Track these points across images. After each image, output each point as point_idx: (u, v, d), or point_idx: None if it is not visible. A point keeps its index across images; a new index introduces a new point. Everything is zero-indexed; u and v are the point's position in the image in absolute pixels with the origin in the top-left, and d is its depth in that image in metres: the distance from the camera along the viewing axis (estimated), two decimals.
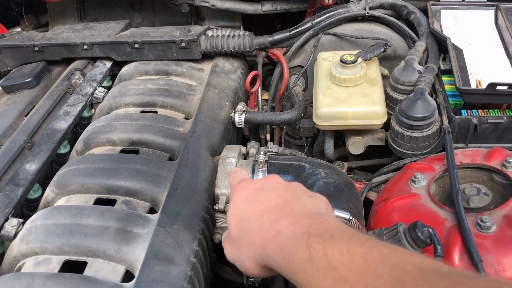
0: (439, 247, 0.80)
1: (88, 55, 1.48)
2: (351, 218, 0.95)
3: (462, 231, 0.85)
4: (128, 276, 0.90)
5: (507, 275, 0.81)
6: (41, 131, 1.24)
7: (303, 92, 1.49)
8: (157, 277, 0.85)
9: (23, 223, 0.99)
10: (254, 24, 1.84)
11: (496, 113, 1.14)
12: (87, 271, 0.89)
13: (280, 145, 1.46)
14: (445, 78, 1.27)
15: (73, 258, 0.91)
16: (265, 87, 1.63)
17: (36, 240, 0.93)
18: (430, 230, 0.81)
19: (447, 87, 1.23)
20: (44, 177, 1.20)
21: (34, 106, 1.34)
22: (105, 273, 0.88)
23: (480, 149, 1.08)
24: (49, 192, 1.08)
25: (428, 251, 0.83)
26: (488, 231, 0.86)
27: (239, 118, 1.30)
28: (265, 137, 1.49)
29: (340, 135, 1.37)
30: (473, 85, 1.15)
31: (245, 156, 1.22)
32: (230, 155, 1.17)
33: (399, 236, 0.82)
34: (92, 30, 1.52)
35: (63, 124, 1.26)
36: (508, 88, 1.07)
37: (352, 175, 1.36)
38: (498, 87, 1.07)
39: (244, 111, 1.30)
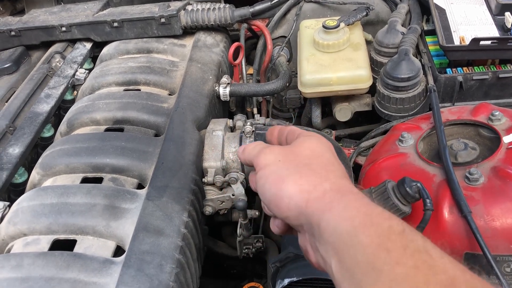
0: (428, 200, 0.80)
1: (67, 37, 1.45)
2: None
3: (450, 184, 0.85)
4: (119, 251, 0.89)
5: (496, 225, 0.81)
6: (23, 115, 1.22)
7: (287, 62, 1.47)
8: (148, 249, 0.84)
9: (9, 206, 0.97)
10: None
11: (481, 70, 1.14)
12: (77, 249, 0.88)
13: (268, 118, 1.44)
14: (429, 39, 1.26)
15: (62, 236, 0.90)
16: (250, 61, 1.61)
17: (24, 221, 0.92)
18: (418, 184, 0.81)
19: (431, 47, 1.22)
20: (29, 162, 1.18)
21: (14, 92, 1.31)
22: (95, 249, 0.88)
23: (466, 106, 1.08)
24: (34, 174, 1.06)
25: (418, 206, 0.83)
26: (477, 183, 0.86)
27: (224, 91, 1.28)
28: (252, 111, 1.47)
29: (327, 104, 1.36)
30: (457, 42, 1.14)
31: (232, 129, 1.21)
32: (217, 128, 1.15)
33: (388, 193, 0.82)
34: (70, 12, 1.48)
35: (45, 107, 1.23)
36: (491, 42, 1.07)
37: (341, 144, 1.35)
38: (481, 42, 1.07)
39: (228, 83, 1.29)
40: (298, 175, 0.61)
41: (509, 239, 0.81)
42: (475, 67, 1.15)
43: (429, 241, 0.49)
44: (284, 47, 1.45)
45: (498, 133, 0.94)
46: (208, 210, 1.08)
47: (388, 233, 0.49)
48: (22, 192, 1.08)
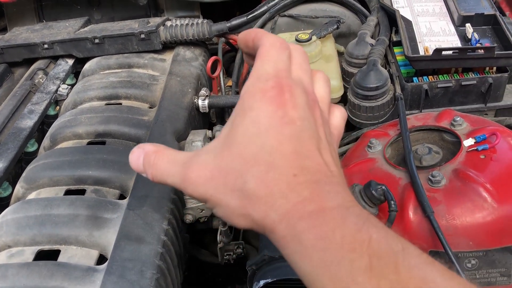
0: (392, 202, 0.85)
1: (49, 54, 1.49)
2: None
3: (414, 186, 0.90)
4: (103, 260, 0.92)
5: (457, 224, 0.87)
6: (7, 131, 1.25)
7: None
8: (129, 256, 0.88)
9: None
10: (215, 13, 1.86)
11: (445, 78, 1.20)
12: (61, 258, 0.91)
13: None
14: (397, 49, 1.32)
15: (46, 247, 0.93)
16: (230, 74, 1.66)
17: (8, 234, 0.95)
18: (383, 187, 0.86)
19: (398, 58, 1.29)
20: (13, 176, 1.21)
21: None
22: (79, 259, 0.91)
23: (431, 113, 1.14)
24: (18, 188, 1.09)
25: (385, 208, 0.88)
26: (439, 185, 0.91)
27: (203, 103, 1.33)
28: None
29: None
30: (422, 53, 1.21)
31: (211, 139, 1.25)
32: (196, 138, 1.20)
33: (356, 196, 0.87)
34: (52, 29, 1.52)
35: (28, 122, 1.27)
36: (452, 52, 1.13)
37: None
38: (443, 52, 1.13)
39: (207, 96, 1.34)
40: (233, 201, 0.48)
41: (469, 237, 0.87)
42: (440, 76, 1.21)
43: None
44: None
45: (459, 138, 1.00)
46: (189, 218, 1.13)
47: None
48: (6, 206, 1.10)
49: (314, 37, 1.31)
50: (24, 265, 0.87)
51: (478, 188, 0.88)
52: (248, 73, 1.50)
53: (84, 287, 0.84)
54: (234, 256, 1.21)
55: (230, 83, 1.59)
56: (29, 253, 0.92)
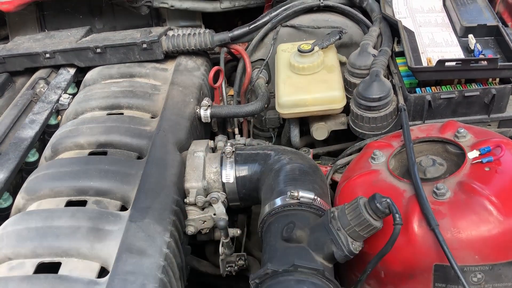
0: (397, 215, 0.84)
1: (51, 63, 1.49)
2: (315, 197, 0.99)
3: (419, 199, 0.90)
4: (103, 273, 0.91)
5: (462, 237, 0.86)
6: (8, 141, 1.24)
7: (266, 84, 1.52)
8: (131, 269, 0.87)
9: None
10: (216, 22, 1.87)
11: (448, 89, 1.20)
12: (62, 271, 0.90)
13: (248, 138, 1.49)
14: (399, 60, 1.32)
15: (47, 259, 0.92)
16: (231, 83, 1.66)
17: (9, 246, 0.94)
18: (388, 200, 0.85)
19: (401, 68, 1.28)
20: (14, 187, 1.20)
21: None
22: (80, 271, 0.90)
23: (434, 124, 1.13)
24: (19, 199, 1.08)
25: (390, 221, 0.87)
26: (443, 198, 0.90)
27: (205, 113, 1.32)
28: (233, 131, 1.52)
29: (305, 123, 1.41)
30: (424, 64, 1.20)
31: (214, 150, 1.25)
32: (198, 149, 1.19)
33: (360, 209, 0.87)
34: (53, 38, 1.52)
35: (29, 132, 1.26)
36: (455, 63, 1.13)
37: (319, 161, 1.40)
38: (446, 63, 1.13)
39: (209, 106, 1.33)
40: None
41: (475, 250, 0.86)
42: (443, 87, 1.21)
43: None
44: (263, 70, 1.51)
45: (463, 149, 0.99)
46: (191, 230, 1.12)
47: None
48: (7, 217, 1.09)
49: (316, 48, 1.31)
50: (24, 278, 0.86)
51: (483, 201, 0.87)
52: (249, 83, 1.50)
53: None
54: (236, 268, 1.20)
55: (231, 92, 1.59)
56: (29, 265, 0.91)
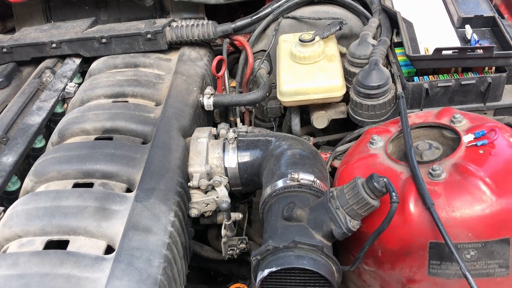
0: (394, 194, 0.87)
1: (57, 53, 1.52)
2: (315, 180, 1.02)
3: (415, 179, 0.93)
4: (109, 251, 0.94)
5: (456, 216, 0.89)
6: (16, 127, 1.28)
7: (268, 75, 1.55)
8: (137, 245, 0.90)
9: (4, 211, 1.03)
10: (218, 15, 1.90)
11: (445, 77, 1.23)
12: (70, 248, 0.93)
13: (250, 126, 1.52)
14: (398, 50, 1.35)
15: (55, 237, 0.96)
16: (233, 75, 1.69)
17: (18, 224, 0.97)
18: (385, 179, 0.88)
19: (400, 58, 1.31)
20: (22, 172, 1.23)
21: (6, 105, 1.37)
22: (87, 249, 0.93)
23: (431, 111, 1.16)
24: (27, 181, 1.12)
25: (387, 200, 0.90)
26: (439, 178, 0.93)
27: (208, 101, 1.35)
28: (235, 120, 1.55)
29: (305, 112, 1.44)
30: (422, 53, 1.23)
31: (216, 137, 1.28)
32: (201, 135, 1.22)
33: (358, 188, 0.90)
34: (59, 29, 1.56)
35: (36, 118, 1.29)
36: (452, 52, 1.16)
37: (320, 150, 1.43)
38: (443, 52, 1.16)
39: (212, 94, 1.36)
40: None
41: (468, 228, 0.89)
42: (440, 75, 1.24)
43: None
44: (265, 60, 1.54)
45: (459, 134, 1.02)
46: (194, 212, 1.15)
47: None
48: (15, 200, 1.13)
49: (317, 38, 1.34)
50: (34, 253, 0.89)
51: (477, 181, 0.90)
52: (251, 74, 1.53)
53: (93, 275, 0.86)
54: (237, 251, 1.22)
55: (234, 83, 1.62)
56: (38, 243, 0.95)
